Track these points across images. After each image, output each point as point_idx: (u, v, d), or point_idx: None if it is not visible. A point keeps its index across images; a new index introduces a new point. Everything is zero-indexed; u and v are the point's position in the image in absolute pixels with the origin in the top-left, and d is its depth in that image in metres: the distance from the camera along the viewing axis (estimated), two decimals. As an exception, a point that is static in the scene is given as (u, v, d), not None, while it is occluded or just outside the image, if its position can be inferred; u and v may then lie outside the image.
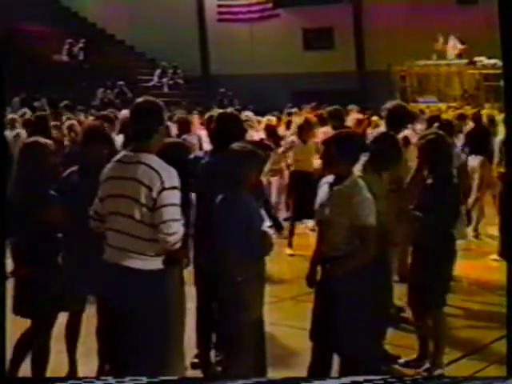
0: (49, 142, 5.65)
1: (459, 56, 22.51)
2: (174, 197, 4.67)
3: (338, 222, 5.20)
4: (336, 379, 5.22)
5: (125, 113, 11.49)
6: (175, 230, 4.65)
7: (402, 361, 6.46)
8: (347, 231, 5.19)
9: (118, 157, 4.91)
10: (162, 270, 4.77)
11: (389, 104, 7.71)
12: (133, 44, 31.21)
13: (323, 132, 11.41)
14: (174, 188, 4.66)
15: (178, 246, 4.70)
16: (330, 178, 5.38)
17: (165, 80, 28.85)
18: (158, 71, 29.13)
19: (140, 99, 4.97)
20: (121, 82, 26.26)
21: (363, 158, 6.05)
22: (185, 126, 11.60)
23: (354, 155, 5.40)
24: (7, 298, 5.41)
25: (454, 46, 22.71)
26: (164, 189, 4.61)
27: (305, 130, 10.97)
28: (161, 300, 4.76)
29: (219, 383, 5.42)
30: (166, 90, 28.55)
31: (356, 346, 5.22)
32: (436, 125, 9.28)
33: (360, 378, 5.01)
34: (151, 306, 4.71)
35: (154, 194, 4.60)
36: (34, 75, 23.96)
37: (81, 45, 28.02)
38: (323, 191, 5.40)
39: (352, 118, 11.63)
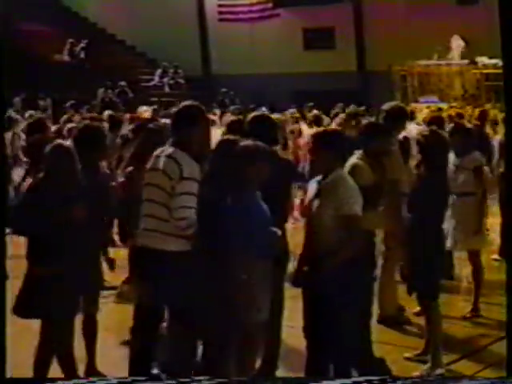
0: (71, 145, 5.69)
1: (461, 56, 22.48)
2: (190, 186, 5.22)
3: (326, 215, 5.28)
4: (336, 380, 5.22)
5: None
6: (185, 215, 5.18)
7: (407, 355, 6.53)
8: (334, 222, 5.25)
9: (157, 151, 5.54)
10: (187, 253, 5.23)
11: (386, 105, 7.77)
12: (133, 44, 31.18)
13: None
14: (191, 179, 5.23)
15: (189, 231, 5.19)
16: (319, 178, 5.48)
17: (166, 80, 28.82)
18: (158, 71, 29.10)
19: (184, 103, 5.66)
20: (122, 83, 26.26)
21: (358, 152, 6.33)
22: None
23: (340, 150, 5.49)
24: (9, 299, 5.41)
25: (457, 47, 22.67)
26: (182, 178, 5.21)
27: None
28: (183, 281, 5.18)
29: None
30: (166, 89, 28.52)
31: (349, 343, 5.27)
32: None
33: (361, 379, 5.02)
34: (174, 286, 5.19)
35: (174, 183, 5.23)
36: (35, 75, 23.96)
37: (82, 45, 28.02)
38: (312, 188, 5.48)
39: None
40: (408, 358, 6.50)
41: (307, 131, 13.03)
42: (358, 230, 5.27)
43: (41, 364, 5.63)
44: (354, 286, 5.22)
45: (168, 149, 5.43)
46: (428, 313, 6.37)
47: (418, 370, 6.20)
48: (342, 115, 12.32)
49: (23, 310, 5.57)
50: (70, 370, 5.70)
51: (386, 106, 7.76)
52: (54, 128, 12.59)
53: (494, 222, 9.56)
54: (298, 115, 16.10)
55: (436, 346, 6.24)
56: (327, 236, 5.29)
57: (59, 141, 5.97)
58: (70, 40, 28.00)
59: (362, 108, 17.97)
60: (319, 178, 5.46)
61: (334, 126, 11.36)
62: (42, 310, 5.50)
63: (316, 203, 5.38)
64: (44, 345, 5.61)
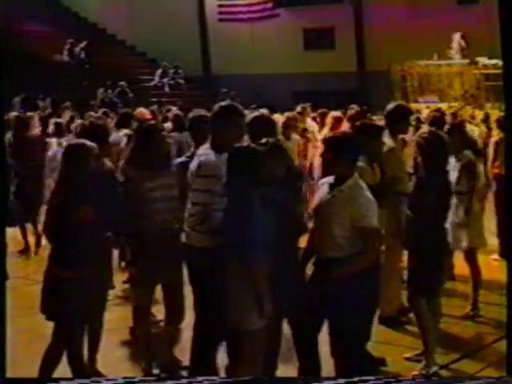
0: (94, 145, 5.62)
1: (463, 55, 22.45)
2: (205, 184, 5.42)
3: (340, 223, 5.17)
4: (331, 380, 5.21)
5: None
6: (194, 212, 5.47)
7: (407, 355, 6.51)
8: (349, 232, 5.17)
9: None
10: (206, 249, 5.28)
11: (389, 105, 7.74)
12: (134, 44, 31.21)
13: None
14: (207, 177, 5.41)
15: (200, 228, 5.38)
16: (330, 179, 5.36)
17: (166, 80, 28.83)
18: (159, 71, 29.12)
19: (221, 103, 5.81)
20: (122, 83, 26.27)
21: None
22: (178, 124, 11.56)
23: (355, 155, 5.39)
24: (10, 298, 5.40)
25: (458, 46, 22.66)
26: (198, 176, 5.47)
27: (290, 127, 11.08)
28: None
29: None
30: (167, 89, 28.54)
31: (350, 346, 5.25)
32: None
33: (355, 379, 5.02)
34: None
35: (193, 180, 5.55)
36: (34, 75, 23.95)
37: (82, 45, 28.03)
38: (323, 191, 5.38)
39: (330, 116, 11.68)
40: (408, 358, 6.49)
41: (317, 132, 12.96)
42: (375, 242, 5.20)
43: (49, 364, 5.60)
44: (362, 287, 5.18)
45: (204, 147, 5.65)
46: (415, 309, 6.36)
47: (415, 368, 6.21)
48: (334, 114, 12.18)
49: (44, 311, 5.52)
50: (79, 369, 5.68)
51: (388, 107, 7.73)
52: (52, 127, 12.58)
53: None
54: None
55: (428, 344, 6.22)
56: (340, 244, 5.19)
57: (82, 140, 5.85)
58: (70, 40, 28.01)
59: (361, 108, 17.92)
60: (330, 179, 5.35)
61: (327, 128, 11.31)
62: (61, 313, 5.41)
63: (329, 209, 5.26)
64: (55, 345, 5.58)
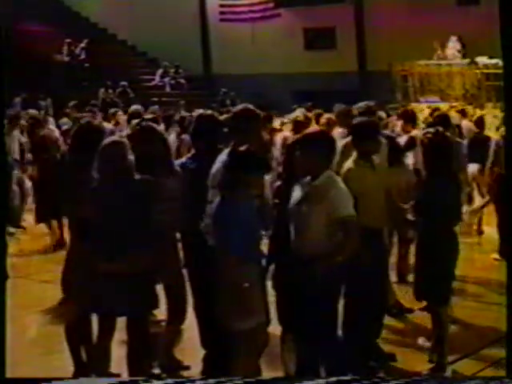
0: (127, 141, 5.67)
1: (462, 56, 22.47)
2: (211, 195, 5.35)
3: (316, 219, 5.17)
4: (324, 379, 5.22)
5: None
6: (204, 223, 5.38)
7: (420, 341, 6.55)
8: (327, 227, 5.17)
9: None
10: None
11: (354, 120, 6.86)
12: (134, 44, 31.20)
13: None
14: (212, 187, 5.31)
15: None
16: (307, 178, 5.35)
17: (166, 80, 28.84)
18: (159, 71, 29.13)
19: (238, 106, 5.83)
20: (124, 83, 26.27)
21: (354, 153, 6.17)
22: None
23: (327, 153, 5.36)
24: (11, 298, 5.40)
25: (453, 48, 22.68)
26: (212, 187, 5.38)
27: (303, 126, 11.08)
28: None
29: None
30: (167, 89, 28.55)
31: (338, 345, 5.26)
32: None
33: (348, 378, 5.03)
34: None
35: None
36: (35, 75, 23.97)
37: (83, 45, 28.02)
38: (301, 190, 5.35)
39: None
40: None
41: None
42: (355, 229, 5.17)
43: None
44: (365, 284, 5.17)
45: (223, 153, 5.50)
46: (439, 318, 6.26)
47: (419, 367, 6.20)
48: (328, 115, 12.13)
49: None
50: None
51: (354, 121, 6.87)
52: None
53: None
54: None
55: (443, 348, 6.19)
56: (319, 239, 5.18)
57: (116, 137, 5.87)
58: (68, 40, 27.96)
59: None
60: (307, 180, 5.35)
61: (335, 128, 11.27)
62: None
63: (305, 207, 5.25)
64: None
